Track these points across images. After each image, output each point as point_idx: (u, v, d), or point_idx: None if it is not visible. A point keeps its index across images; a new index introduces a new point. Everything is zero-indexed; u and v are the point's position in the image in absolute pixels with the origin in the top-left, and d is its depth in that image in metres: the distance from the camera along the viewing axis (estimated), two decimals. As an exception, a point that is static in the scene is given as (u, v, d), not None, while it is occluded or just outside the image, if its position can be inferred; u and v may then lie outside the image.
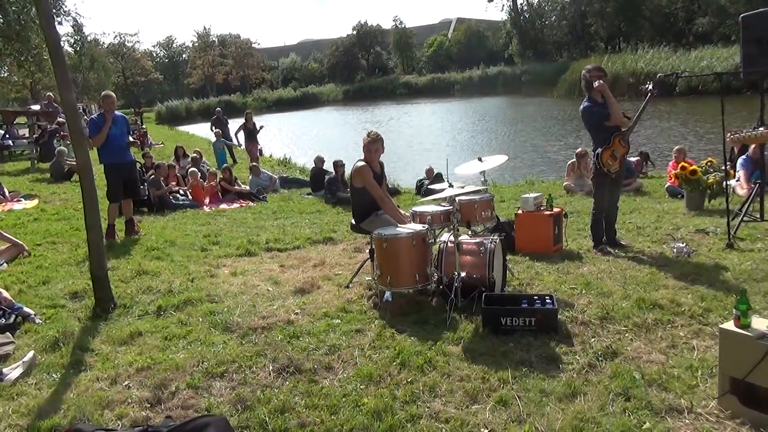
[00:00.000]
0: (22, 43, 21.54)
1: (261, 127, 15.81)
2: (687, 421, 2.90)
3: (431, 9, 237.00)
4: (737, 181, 8.32)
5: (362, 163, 5.20)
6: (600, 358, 3.58)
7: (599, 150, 5.85)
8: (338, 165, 11.13)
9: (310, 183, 12.16)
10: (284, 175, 14.12)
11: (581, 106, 5.91)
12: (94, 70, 44.72)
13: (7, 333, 4.23)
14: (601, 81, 5.76)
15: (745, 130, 6.16)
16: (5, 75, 27.39)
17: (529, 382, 3.33)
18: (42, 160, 15.00)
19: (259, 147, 15.68)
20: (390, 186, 10.13)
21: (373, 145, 5.26)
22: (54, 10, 23.94)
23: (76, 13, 40.51)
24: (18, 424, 3.09)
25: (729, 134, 6.19)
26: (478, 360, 3.63)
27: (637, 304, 4.33)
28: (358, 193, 5.28)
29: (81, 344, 4.08)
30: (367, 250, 5.30)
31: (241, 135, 15.72)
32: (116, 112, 7.42)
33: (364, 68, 68.46)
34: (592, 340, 3.85)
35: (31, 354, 3.80)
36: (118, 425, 3.04)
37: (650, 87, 6.00)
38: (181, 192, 11.02)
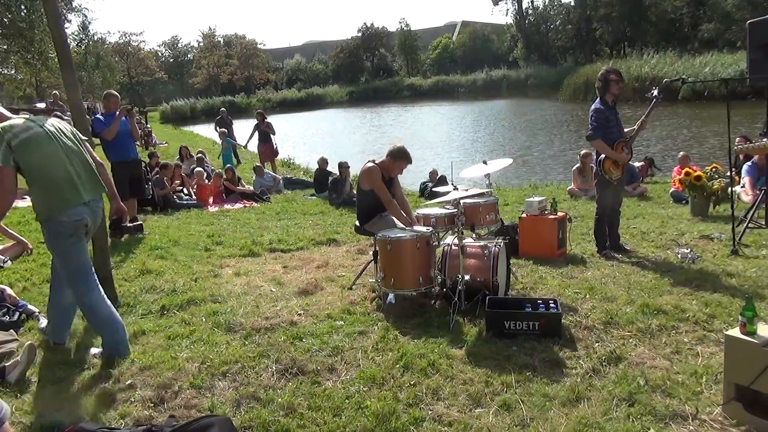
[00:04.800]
0: (29, 42, 21.60)
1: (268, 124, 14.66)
2: (691, 427, 2.89)
3: (436, 12, 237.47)
4: (742, 187, 8.31)
5: (371, 165, 5.18)
6: (604, 363, 3.56)
7: (602, 157, 5.85)
8: (343, 166, 11.13)
9: (314, 184, 12.18)
10: (288, 176, 14.13)
11: (592, 107, 5.90)
12: (99, 69, 44.83)
13: (11, 330, 4.23)
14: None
15: (754, 139, 6.16)
16: (11, 73, 27.46)
17: (532, 386, 3.32)
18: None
19: (275, 147, 14.70)
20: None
21: (402, 162, 5.20)
22: (63, 3, 23.99)
23: (84, 8, 40.55)
24: (21, 422, 3.09)
25: (738, 139, 6.19)
26: (482, 363, 3.62)
27: (641, 309, 4.31)
28: (363, 195, 5.27)
29: (84, 342, 4.09)
30: (371, 252, 5.30)
31: (256, 137, 14.82)
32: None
33: (369, 70, 68.51)
34: (596, 345, 3.84)
35: (26, 346, 3.72)
36: (121, 424, 3.04)
37: (655, 93, 6.00)
38: (185, 192, 11.04)
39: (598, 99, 5.89)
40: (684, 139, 18.45)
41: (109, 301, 3.88)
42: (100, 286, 3.85)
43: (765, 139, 5.95)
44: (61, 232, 3.64)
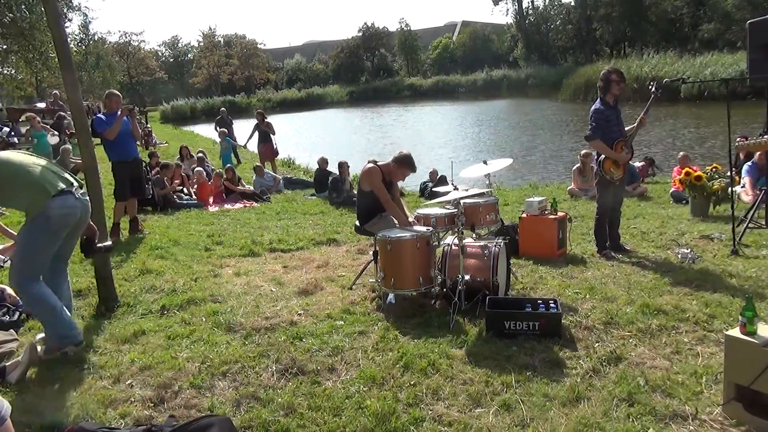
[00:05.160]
0: (29, 41, 21.62)
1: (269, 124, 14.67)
2: (691, 427, 2.89)
3: (437, 12, 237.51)
4: (742, 187, 8.31)
5: (371, 165, 5.18)
6: (604, 363, 3.56)
7: (602, 157, 5.86)
8: (343, 166, 11.14)
9: (314, 184, 12.18)
10: (288, 176, 14.13)
11: (592, 107, 5.91)
12: (99, 69, 44.85)
13: (11, 330, 4.23)
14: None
15: (753, 137, 6.15)
16: (11, 73, 27.46)
17: (532, 386, 3.32)
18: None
19: (275, 147, 14.71)
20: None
21: (406, 170, 5.24)
22: (63, 2, 24.00)
23: (85, 7, 40.62)
24: (21, 422, 3.08)
25: (738, 139, 6.19)
26: (482, 363, 3.62)
27: (642, 309, 4.31)
28: (364, 196, 5.28)
29: (85, 342, 4.08)
30: (371, 252, 5.30)
31: (256, 137, 14.84)
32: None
33: (369, 70, 68.49)
34: (596, 345, 3.84)
35: (27, 347, 3.74)
36: (121, 424, 3.03)
37: (653, 89, 5.99)
38: (185, 191, 11.04)
39: (599, 99, 5.90)
40: (684, 139, 18.45)
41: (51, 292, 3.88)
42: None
43: (766, 137, 5.95)
44: (46, 228, 3.64)
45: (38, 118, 13.35)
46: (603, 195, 6.01)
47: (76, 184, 3.85)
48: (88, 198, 3.97)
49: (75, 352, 3.80)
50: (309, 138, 27.95)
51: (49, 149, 12.40)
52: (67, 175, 3.87)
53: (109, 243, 4.43)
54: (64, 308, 3.85)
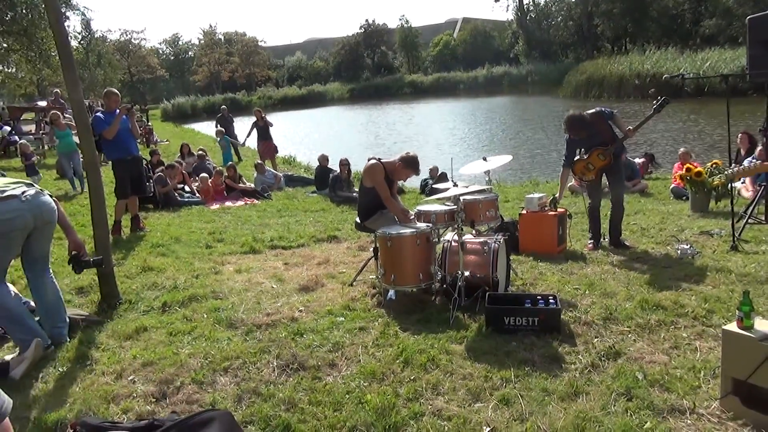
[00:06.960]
0: (30, 40, 21.62)
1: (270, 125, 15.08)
2: (689, 421, 2.91)
3: (437, 8, 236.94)
4: (742, 183, 8.31)
5: (374, 162, 5.21)
6: (603, 358, 3.58)
7: (576, 158, 6.11)
8: (343, 163, 11.16)
9: (315, 181, 12.21)
10: (289, 173, 14.16)
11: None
12: (100, 67, 44.84)
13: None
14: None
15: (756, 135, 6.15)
16: (12, 71, 27.45)
17: (531, 381, 3.34)
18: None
19: (274, 145, 15.01)
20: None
21: (410, 171, 5.29)
22: (62, 2, 24.02)
23: (84, 7, 40.61)
24: (25, 417, 3.12)
25: (740, 135, 6.21)
26: (481, 359, 3.64)
27: (641, 304, 4.33)
28: (365, 192, 5.30)
29: (87, 339, 4.12)
30: (371, 249, 5.33)
31: (254, 134, 15.14)
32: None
33: (370, 67, 68.39)
34: (595, 340, 3.86)
35: (33, 344, 3.78)
36: (124, 419, 3.06)
37: (655, 103, 5.91)
38: (187, 189, 11.07)
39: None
40: (685, 134, 18.41)
41: (14, 296, 3.89)
42: (8, 283, 3.84)
43: (757, 161, 5.98)
44: None
45: (62, 116, 13.17)
46: (590, 194, 6.31)
47: (20, 190, 3.72)
48: (46, 198, 3.85)
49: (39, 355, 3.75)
50: (313, 136, 27.88)
51: (75, 148, 12.17)
52: (11, 182, 3.79)
53: (99, 258, 4.43)
54: (27, 314, 3.87)
